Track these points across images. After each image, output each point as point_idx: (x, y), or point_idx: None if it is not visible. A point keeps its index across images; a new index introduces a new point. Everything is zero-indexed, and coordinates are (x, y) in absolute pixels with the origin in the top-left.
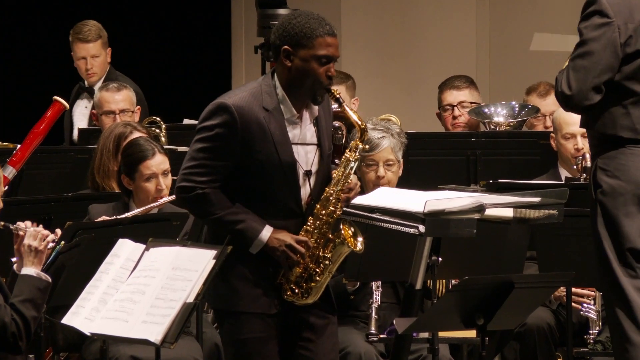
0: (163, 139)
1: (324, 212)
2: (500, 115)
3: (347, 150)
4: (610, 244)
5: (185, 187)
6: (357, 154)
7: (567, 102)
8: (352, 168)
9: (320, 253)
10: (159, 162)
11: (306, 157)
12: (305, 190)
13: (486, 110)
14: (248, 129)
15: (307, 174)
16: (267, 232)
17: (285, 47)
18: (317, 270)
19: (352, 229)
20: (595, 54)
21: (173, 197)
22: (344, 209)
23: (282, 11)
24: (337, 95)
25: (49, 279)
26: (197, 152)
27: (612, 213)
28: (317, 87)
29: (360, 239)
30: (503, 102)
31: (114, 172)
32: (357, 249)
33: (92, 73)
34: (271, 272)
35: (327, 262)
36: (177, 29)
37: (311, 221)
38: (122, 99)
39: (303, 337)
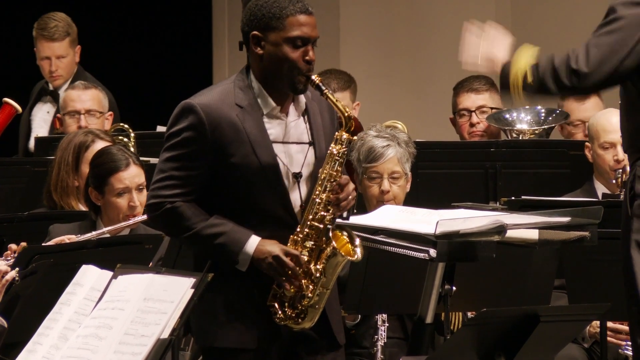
0: (132, 149)
1: (310, 217)
2: (523, 122)
3: (331, 144)
4: None
5: (154, 204)
6: (344, 146)
7: (580, 80)
8: (340, 164)
9: (312, 266)
10: (133, 175)
11: (295, 158)
12: (296, 196)
13: (507, 116)
14: (219, 129)
15: (297, 176)
16: (253, 242)
17: (254, 32)
18: (310, 286)
19: (346, 234)
20: (625, 30)
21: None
22: (338, 217)
23: None
24: (317, 82)
25: (5, 324)
26: (164, 163)
27: None
28: (295, 74)
29: (357, 242)
30: (527, 107)
31: (73, 189)
32: (355, 257)
33: (57, 76)
34: (261, 299)
35: (318, 276)
36: (151, 22)
37: (299, 229)
38: (88, 98)
39: None
